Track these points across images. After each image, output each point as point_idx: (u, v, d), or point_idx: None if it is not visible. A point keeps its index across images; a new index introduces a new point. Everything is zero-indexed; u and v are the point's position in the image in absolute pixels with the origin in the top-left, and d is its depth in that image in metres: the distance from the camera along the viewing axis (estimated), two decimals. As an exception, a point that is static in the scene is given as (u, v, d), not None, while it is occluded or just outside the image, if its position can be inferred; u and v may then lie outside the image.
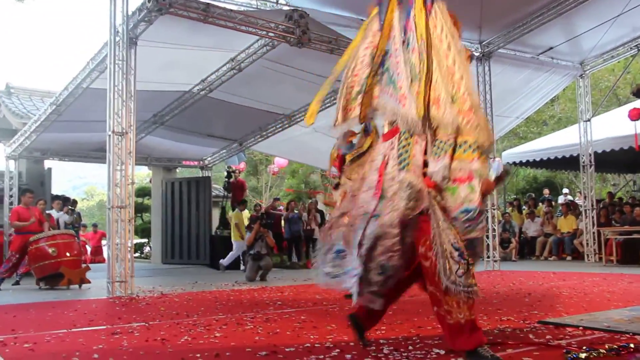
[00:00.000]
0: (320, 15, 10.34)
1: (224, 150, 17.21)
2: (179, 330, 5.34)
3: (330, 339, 4.69)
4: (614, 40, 12.73)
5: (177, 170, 19.14)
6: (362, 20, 10.87)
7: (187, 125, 14.59)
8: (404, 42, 3.96)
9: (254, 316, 6.20)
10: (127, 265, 8.65)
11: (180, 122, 14.27)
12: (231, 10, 9.56)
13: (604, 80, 21.66)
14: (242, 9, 10.05)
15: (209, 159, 17.90)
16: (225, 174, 17.99)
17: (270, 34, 9.91)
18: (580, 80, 14.18)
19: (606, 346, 3.94)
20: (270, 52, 10.91)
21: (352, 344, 4.45)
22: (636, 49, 12.91)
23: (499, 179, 3.99)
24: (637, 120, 4.95)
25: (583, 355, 3.71)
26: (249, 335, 5.02)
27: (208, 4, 9.11)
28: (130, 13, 8.88)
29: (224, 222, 16.52)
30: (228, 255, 14.08)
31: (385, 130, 4.08)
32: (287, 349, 4.31)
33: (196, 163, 18.26)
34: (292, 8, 9.99)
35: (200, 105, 13.18)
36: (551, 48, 12.83)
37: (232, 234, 14.30)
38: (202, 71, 12.13)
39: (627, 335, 4.45)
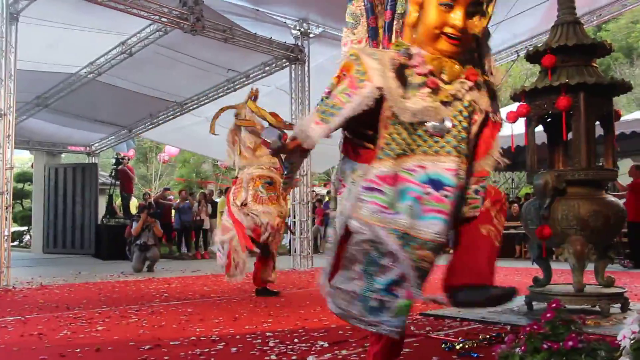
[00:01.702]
0: (215, 3, 10.18)
1: (113, 137, 16.70)
2: (58, 324, 5.13)
3: (217, 332, 4.64)
4: (496, 45, 13.21)
5: (62, 156, 18.39)
6: (257, 10, 10.95)
7: (74, 109, 14.04)
8: None
9: (139, 309, 6.06)
10: (2, 254, 8.21)
11: (66, 106, 13.71)
12: (123, -9, 9.25)
13: (489, 81, 22.60)
14: (134, -9, 9.73)
15: (97, 144, 17.32)
16: (114, 160, 17.45)
17: (163, 19, 9.66)
18: (467, 80, 14.65)
19: (479, 336, 4.11)
20: (163, 37, 10.65)
21: (237, 336, 4.42)
22: (516, 54, 13.47)
23: None
24: (514, 122, 5.22)
25: (458, 346, 3.85)
26: (133, 329, 4.89)
27: (97, -17, 8.80)
28: (11, -14, 8.45)
29: (111, 211, 16.04)
30: None
31: None
32: (171, 343, 4.23)
33: (82, 149, 17.63)
34: (187, -6, 9.78)
35: (87, 89, 12.71)
36: (440, 48, 13.18)
37: (218, 221, 14.17)
38: (90, 53, 11.69)
39: (499, 326, 4.67)
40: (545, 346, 2.11)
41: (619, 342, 2.01)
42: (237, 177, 7.18)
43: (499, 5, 10.04)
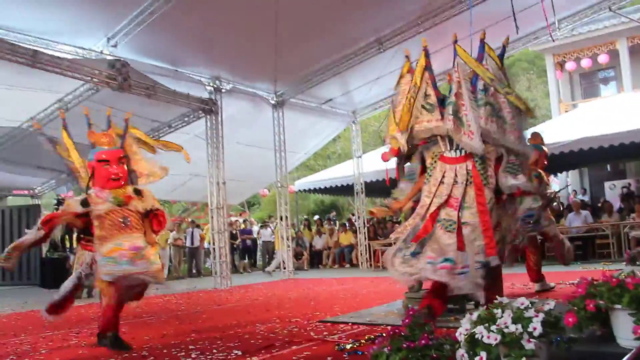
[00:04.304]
0: (140, 65, 10.09)
1: (53, 180, 16.05)
2: (5, 350, 4.89)
3: (147, 348, 4.57)
4: (376, 96, 13.74)
5: (8, 199, 17.52)
6: (176, 71, 10.94)
7: (18, 158, 13.42)
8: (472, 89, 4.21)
9: (79, 331, 5.85)
10: (-47, 289, 7.74)
11: (10, 155, 13.09)
12: (58, 57, 9.03)
13: (371, 125, 23.22)
14: (69, 56, 9.52)
15: (39, 188, 16.59)
16: (55, 201, 16.77)
17: (95, 80, 9.48)
18: (353, 125, 15.04)
19: (366, 337, 4.24)
20: (95, 95, 10.42)
21: (165, 350, 4.37)
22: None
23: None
24: (388, 161, 5.56)
25: (349, 346, 3.97)
26: (73, 350, 4.75)
27: (36, 50, 8.55)
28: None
29: (54, 245, 15.36)
30: (273, 263, 15.02)
31: (452, 155, 4.25)
32: (107, 360, 4.15)
33: (26, 192, 16.86)
34: (115, 58, 9.66)
35: (29, 140, 12.15)
36: (331, 99, 13.57)
37: (275, 244, 15.07)
38: (31, 110, 11.29)
39: (382, 327, 4.81)
40: (404, 345, 2.25)
41: (457, 337, 2.18)
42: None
43: (377, 66, 10.43)
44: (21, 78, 9.26)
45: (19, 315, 7.89)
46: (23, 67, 8.58)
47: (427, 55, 4.41)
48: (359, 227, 14.97)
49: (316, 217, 21.20)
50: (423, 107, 4.35)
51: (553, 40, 12.00)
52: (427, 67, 4.39)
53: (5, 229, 15.78)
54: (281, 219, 13.15)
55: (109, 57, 9.76)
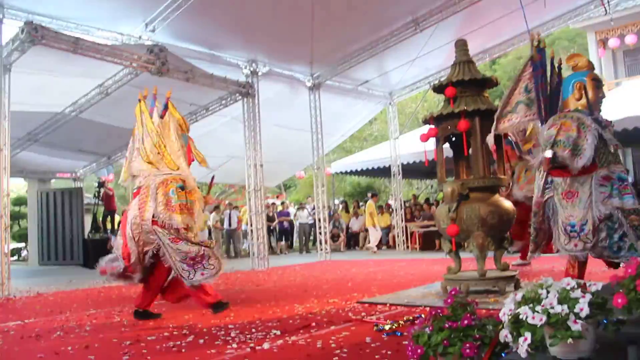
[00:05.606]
0: (177, 50, 10.17)
1: (95, 164, 16.39)
2: (52, 326, 5.04)
3: (187, 327, 4.63)
4: (413, 77, 13.57)
5: (52, 182, 17.94)
6: (213, 54, 10.96)
7: (60, 142, 13.73)
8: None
9: (121, 310, 5.97)
10: (3, 268, 7.98)
11: (53, 139, 13.40)
12: (99, 43, 9.18)
13: (408, 107, 22.93)
14: (109, 42, 9.65)
15: (81, 171, 16.96)
16: (96, 184, 17.14)
17: (134, 65, 9.60)
18: (390, 107, 14.92)
19: (404, 318, 4.20)
20: (134, 79, 10.54)
21: (205, 329, 4.43)
22: (429, 85, 13.81)
23: None
24: (426, 141, 5.51)
25: (387, 327, 3.94)
26: (116, 327, 4.84)
27: (78, 38, 8.70)
28: (4, 43, 8.29)
29: (96, 227, 15.74)
30: (371, 241, 15.22)
31: None
32: (149, 338, 4.21)
33: (69, 175, 17.24)
34: (153, 43, 9.74)
35: (72, 125, 12.46)
36: (367, 81, 13.43)
37: (366, 221, 15.63)
38: (73, 95, 11.50)
39: (421, 308, 4.77)
40: (447, 325, 2.21)
41: (501, 318, 2.13)
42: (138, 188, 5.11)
43: (413, 46, 10.27)
44: (62, 64, 9.43)
45: (64, 294, 8.10)
46: (64, 53, 8.75)
47: (538, 52, 4.54)
48: (396, 209, 14.89)
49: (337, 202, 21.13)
50: (521, 102, 4.55)
51: (606, 13, 11.35)
52: (534, 63, 4.51)
53: (50, 211, 16.21)
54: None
55: (147, 42, 9.85)
